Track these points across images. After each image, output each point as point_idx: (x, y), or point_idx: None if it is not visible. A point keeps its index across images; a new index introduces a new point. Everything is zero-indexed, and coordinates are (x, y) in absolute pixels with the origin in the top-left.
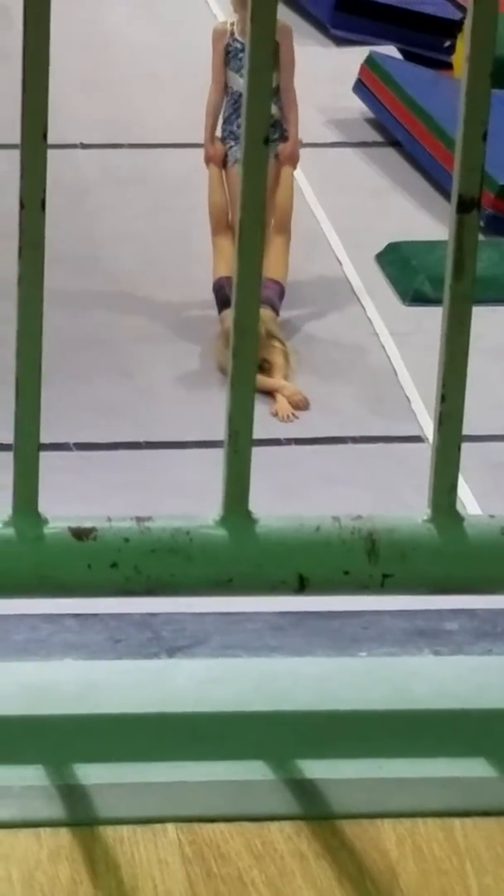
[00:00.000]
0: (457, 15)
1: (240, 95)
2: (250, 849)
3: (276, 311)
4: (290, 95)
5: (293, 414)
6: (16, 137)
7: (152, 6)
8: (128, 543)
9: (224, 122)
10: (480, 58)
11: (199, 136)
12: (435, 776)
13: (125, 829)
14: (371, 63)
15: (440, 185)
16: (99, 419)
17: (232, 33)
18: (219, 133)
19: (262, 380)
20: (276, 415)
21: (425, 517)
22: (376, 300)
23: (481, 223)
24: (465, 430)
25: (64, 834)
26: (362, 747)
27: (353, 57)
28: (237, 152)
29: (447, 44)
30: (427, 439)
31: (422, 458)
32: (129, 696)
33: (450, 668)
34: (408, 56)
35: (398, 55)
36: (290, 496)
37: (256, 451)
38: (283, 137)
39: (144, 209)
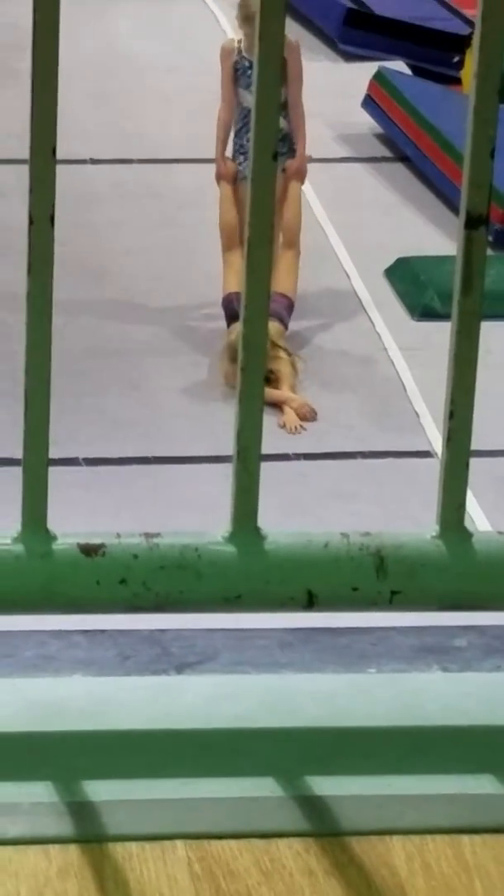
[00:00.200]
0: (465, 30)
1: (249, 112)
2: (259, 866)
3: (284, 324)
4: (298, 111)
5: (301, 426)
6: (25, 152)
7: (161, 21)
8: (136, 560)
9: (234, 138)
10: (488, 74)
11: (208, 151)
12: (444, 793)
13: (134, 846)
14: (380, 78)
15: (449, 201)
16: (108, 434)
17: (239, 51)
18: (229, 151)
19: (269, 392)
20: (283, 426)
21: (434, 533)
22: (385, 315)
23: (490, 238)
24: (475, 446)
25: (73, 851)
26: (371, 764)
27: (362, 72)
28: (247, 169)
29: (456, 59)
30: (436, 454)
31: (431, 472)
32: (137, 713)
33: (458, 684)
34: (416, 71)
35: (407, 70)
36: (299, 512)
37: (265, 467)
38: (292, 151)
39: (153, 224)
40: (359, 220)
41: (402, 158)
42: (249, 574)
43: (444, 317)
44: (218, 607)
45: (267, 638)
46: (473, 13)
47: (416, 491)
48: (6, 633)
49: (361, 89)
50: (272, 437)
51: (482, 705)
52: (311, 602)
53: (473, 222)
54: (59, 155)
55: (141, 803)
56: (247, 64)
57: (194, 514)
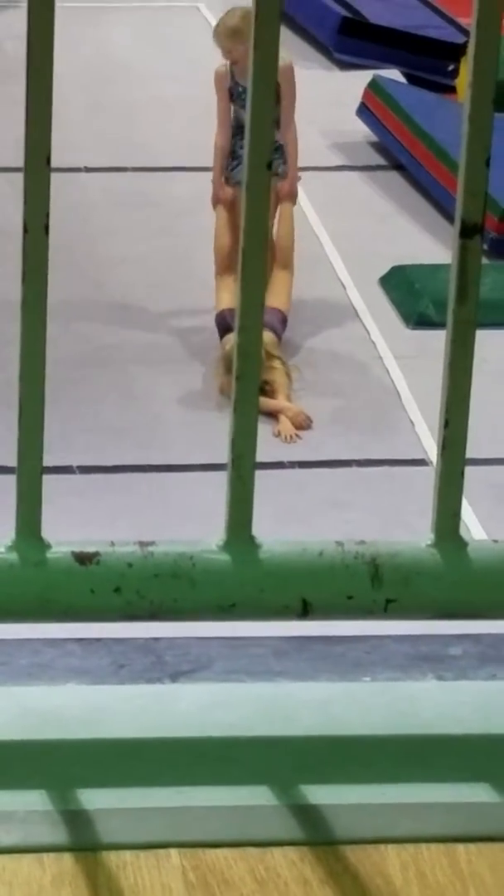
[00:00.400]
0: (460, 38)
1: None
2: (254, 874)
3: (278, 335)
4: (291, 134)
5: (296, 434)
6: (19, 161)
7: (156, 30)
8: (131, 568)
9: (232, 152)
10: (483, 83)
11: (205, 159)
12: (439, 801)
13: (128, 855)
14: (374, 87)
15: (444, 209)
16: (102, 442)
17: (233, 75)
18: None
19: (264, 401)
20: (278, 435)
21: (429, 542)
22: (380, 323)
23: (485, 247)
24: (470, 454)
25: (67, 859)
26: (366, 772)
27: (357, 80)
28: (240, 174)
29: (451, 67)
30: (431, 462)
31: (426, 481)
32: (132, 721)
33: (454, 693)
34: (411, 80)
35: (402, 79)
36: (294, 520)
37: (260, 475)
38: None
39: (148, 233)
40: (353, 229)
41: (397, 167)
42: (244, 582)
43: (439, 325)
44: (212, 616)
45: (261, 646)
46: (468, 22)
47: (411, 499)
48: (0, 642)
49: (356, 97)
50: (267, 446)
51: (477, 714)
52: (305, 610)
53: (468, 231)
54: (54, 163)
55: (135, 812)
56: (241, 89)
57: (189, 523)
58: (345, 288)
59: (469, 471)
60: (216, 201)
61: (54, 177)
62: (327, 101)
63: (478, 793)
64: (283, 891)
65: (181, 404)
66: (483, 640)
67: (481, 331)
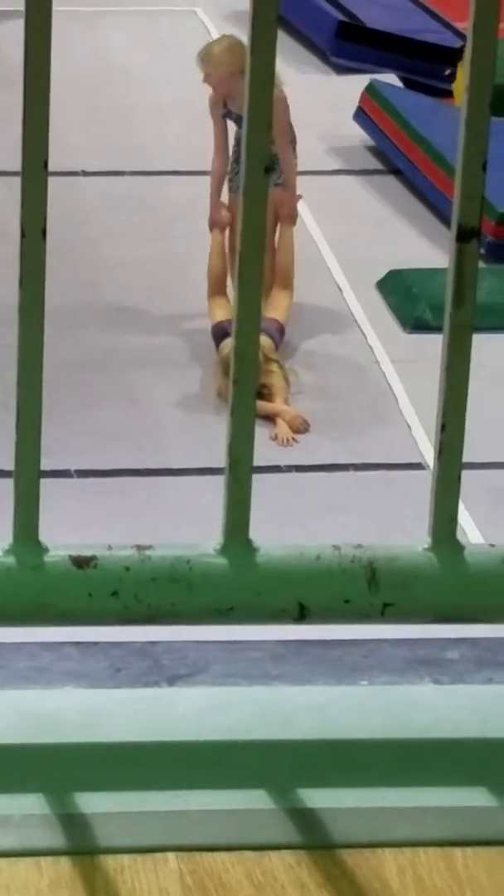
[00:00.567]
0: (457, 43)
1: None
2: (251, 878)
3: (275, 342)
4: (288, 160)
5: (293, 438)
6: (17, 164)
7: (153, 33)
8: (128, 572)
9: (232, 163)
10: (480, 87)
11: (201, 163)
12: (436, 805)
13: (126, 858)
14: (371, 91)
15: (441, 213)
16: (100, 445)
17: (225, 104)
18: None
19: (261, 405)
20: (275, 439)
21: (426, 546)
22: (377, 327)
23: (481, 251)
24: (467, 458)
25: (64, 863)
26: (363, 776)
27: (354, 85)
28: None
29: (447, 72)
30: (428, 466)
31: (423, 484)
32: (129, 725)
33: (451, 697)
34: (408, 84)
35: (399, 83)
36: (291, 524)
37: (257, 479)
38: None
39: (146, 236)
40: (350, 233)
41: (394, 171)
42: (241, 586)
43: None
44: (210, 619)
45: (259, 650)
46: (465, 26)
47: (408, 503)
48: None
49: (353, 102)
50: (264, 449)
51: (474, 718)
52: (302, 614)
53: (465, 235)
54: (51, 167)
55: (133, 815)
56: (234, 116)
57: (186, 527)
58: (342, 292)
59: (466, 475)
60: (212, 225)
61: (51, 181)
62: (324, 105)
63: (475, 797)
64: (280, 894)
65: (179, 408)
66: (480, 644)
67: (478, 335)
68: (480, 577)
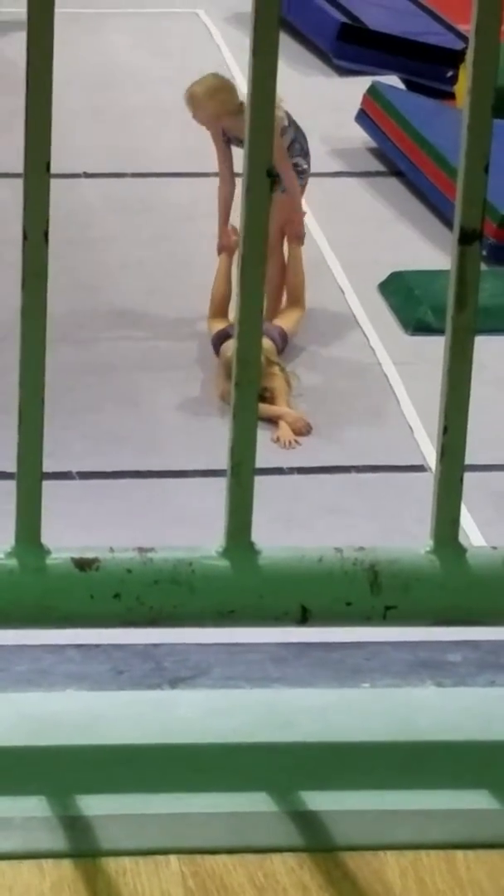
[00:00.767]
0: (459, 45)
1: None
2: (253, 881)
3: (277, 346)
4: (291, 181)
5: (295, 440)
6: (20, 166)
7: (156, 36)
8: (130, 574)
9: None
10: (482, 90)
11: (203, 165)
12: (438, 808)
13: (127, 861)
14: (373, 93)
15: (443, 215)
16: (102, 448)
17: (224, 132)
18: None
19: (264, 407)
20: (277, 441)
21: (428, 548)
22: (379, 329)
23: (483, 253)
24: (469, 460)
25: (66, 865)
26: (365, 779)
27: (356, 87)
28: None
29: (449, 74)
30: (430, 468)
31: (425, 487)
32: (131, 727)
33: (453, 699)
34: (410, 86)
35: (401, 85)
36: (293, 526)
37: (259, 481)
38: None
39: (148, 238)
40: (352, 235)
41: (396, 173)
42: (243, 589)
43: (438, 331)
44: (212, 622)
45: (260, 652)
46: (467, 28)
47: (409, 505)
48: None
49: (355, 104)
50: (266, 452)
51: (476, 720)
52: (304, 617)
53: (467, 237)
54: (53, 169)
55: (134, 818)
56: (236, 141)
57: (188, 529)
58: (344, 294)
59: (468, 477)
60: (220, 249)
61: (54, 183)
62: (326, 107)
63: (477, 799)
64: None
65: (181, 410)
66: (482, 647)
67: (480, 337)
68: (482, 579)
